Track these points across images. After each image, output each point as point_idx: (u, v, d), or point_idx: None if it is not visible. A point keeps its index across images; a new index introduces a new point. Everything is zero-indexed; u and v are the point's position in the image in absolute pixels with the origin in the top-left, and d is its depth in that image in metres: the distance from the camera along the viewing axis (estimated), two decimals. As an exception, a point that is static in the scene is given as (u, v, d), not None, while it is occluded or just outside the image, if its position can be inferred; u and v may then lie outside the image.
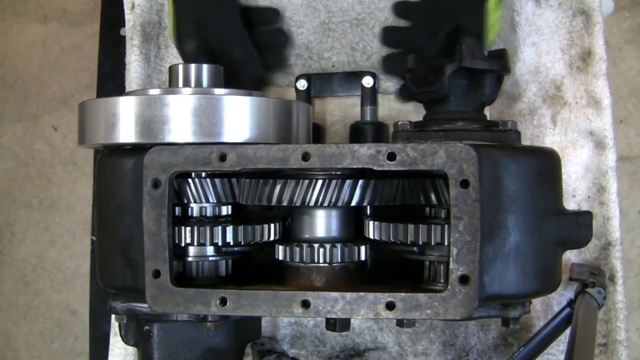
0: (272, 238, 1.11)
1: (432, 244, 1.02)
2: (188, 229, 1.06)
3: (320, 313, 1.00)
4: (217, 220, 1.12)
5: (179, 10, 1.33)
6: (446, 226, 1.00)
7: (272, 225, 1.11)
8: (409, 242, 1.04)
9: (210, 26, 1.31)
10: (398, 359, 1.38)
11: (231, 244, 1.07)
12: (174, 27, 1.34)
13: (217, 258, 1.12)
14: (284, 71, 1.43)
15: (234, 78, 1.30)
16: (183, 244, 1.06)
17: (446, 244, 1.00)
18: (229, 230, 1.07)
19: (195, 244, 1.06)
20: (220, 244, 1.07)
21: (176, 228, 1.05)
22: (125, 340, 1.20)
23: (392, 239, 1.05)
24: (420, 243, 1.03)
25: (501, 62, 1.11)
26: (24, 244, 2.89)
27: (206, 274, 1.12)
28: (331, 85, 1.42)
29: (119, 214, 1.09)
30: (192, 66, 1.18)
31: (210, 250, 1.11)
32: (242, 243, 1.08)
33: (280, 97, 1.27)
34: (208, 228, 1.06)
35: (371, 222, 1.08)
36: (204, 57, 1.31)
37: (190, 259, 1.11)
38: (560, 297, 1.32)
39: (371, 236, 1.08)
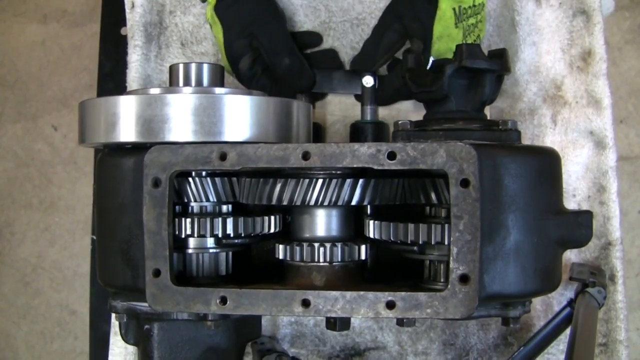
0: (272, 230, 1.11)
1: (432, 243, 1.02)
2: (188, 220, 1.06)
3: (321, 312, 1.00)
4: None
5: (228, 31, 1.34)
6: (446, 225, 0.99)
7: (272, 218, 1.11)
8: (409, 242, 1.03)
9: (261, 38, 1.33)
10: (398, 359, 1.38)
11: (231, 235, 1.07)
12: (226, 50, 1.35)
13: (218, 250, 1.12)
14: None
15: (285, 88, 1.33)
16: (183, 235, 1.06)
17: (446, 243, 1.00)
18: (229, 221, 1.07)
19: (196, 235, 1.06)
20: (220, 235, 1.07)
21: (176, 220, 1.05)
22: (126, 339, 1.20)
23: (392, 239, 1.05)
24: (420, 242, 1.03)
25: (501, 61, 1.11)
26: (24, 244, 2.89)
27: (206, 272, 1.12)
28: (332, 84, 1.42)
29: (119, 213, 1.09)
30: (193, 65, 1.18)
31: (210, 242, 1.11)
32: (243, 235, 1.08)
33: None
34: (208, 219, 1.06)
35: (371, 222, 1.08)
36: (259, 72, 1.34)
37: (190, 251, 1.11)
38: (560, 297, 1.32)
39: (371, 235, 1.08)
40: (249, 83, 1.36)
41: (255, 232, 1.09)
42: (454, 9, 1.27)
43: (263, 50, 1.33)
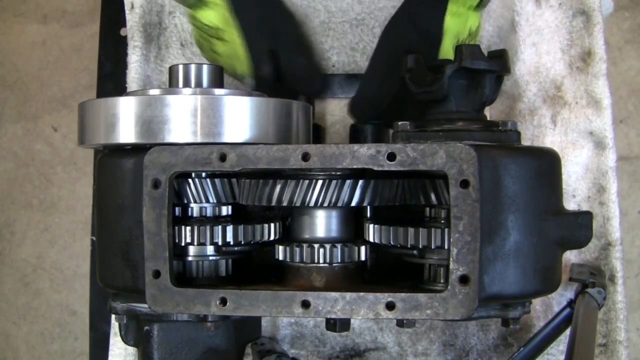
0: (272, 238, 1.11)
1: (432, 247, 1.01)
2: (188, 228, 1.06)
3: (320, 313, 1.00)
4: (217, 219, 1.12)
5: (248, 31, 1.29)
6: (446, 230, 0.99)
7: (272, 225, 1.11)
8: (409, 246, 1.03)
9: (281, 35, 1.30)
10: (398, 359, 1.38)
11: (231, 243, 1.07)
12: (249, 58, 1.29)
13: (217, 257, 1.12)
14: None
15: (294, 91, 1.30)
16: (183, 244, 1.06)
17: (446, 247, 1.00)
18: (229, 229, 1.07)
19: (196, 243, 1.06)
20: (220, 243, 1.07)
21: (176, 227, 1.05)
22: (125, 340, 1.20)
23: (392, 243, 1.05)
24: (420, 246, 1.02)
25: (501, 62, 1.11)
26: (24, 244, 2.90)
27: (206, 274, 1.12)
28: (332, 87, 1.42)
29: (119, 214, 1.09)
30: (192, 66, 1.17)
31: (210, 249, 1.11)
32: (242, 242, 1.08)
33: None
34: (208, 227, 1.06)
35: (371, 226, 1.07)
36: (277, 78, 1.31)
37: (190, 258, 1.11)
38: (560, 297, 1.32)
39: (371, 239, 1.08)
40: (269, 90, 1.26)
41: (255, 240, 1.09)
42: (453, 44, 1.26)
43: (282, 47, 1.28)
